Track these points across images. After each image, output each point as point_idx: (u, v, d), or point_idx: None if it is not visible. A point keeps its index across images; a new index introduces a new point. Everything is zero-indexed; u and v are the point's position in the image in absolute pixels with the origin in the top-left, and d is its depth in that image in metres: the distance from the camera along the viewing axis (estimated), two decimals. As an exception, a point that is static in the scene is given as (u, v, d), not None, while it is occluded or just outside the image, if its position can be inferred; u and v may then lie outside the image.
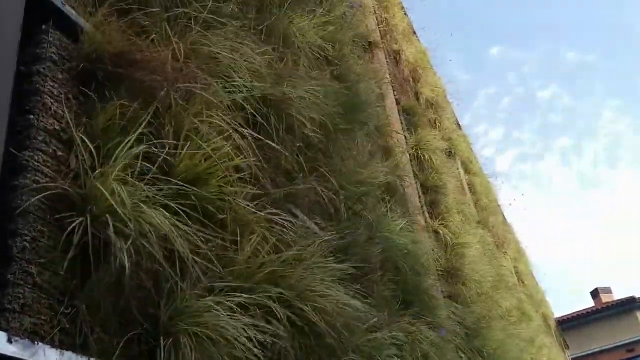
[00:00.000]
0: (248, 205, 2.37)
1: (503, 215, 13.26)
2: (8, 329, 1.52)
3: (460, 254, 6.59)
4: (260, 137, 2.60)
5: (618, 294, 30.60)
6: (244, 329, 2.11)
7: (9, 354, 1.50)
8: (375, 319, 3.42)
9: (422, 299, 4.53)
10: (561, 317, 27.11)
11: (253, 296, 2.20)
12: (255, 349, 2.11)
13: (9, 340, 1.51)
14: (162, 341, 1.91)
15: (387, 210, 4.24)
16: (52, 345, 1.62)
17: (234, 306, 2.04)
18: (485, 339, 6.66)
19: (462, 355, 5.49)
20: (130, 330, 1.89)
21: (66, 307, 1.69)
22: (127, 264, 1.74)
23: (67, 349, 1.66)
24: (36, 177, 1.70)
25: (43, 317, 1.63)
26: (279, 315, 2.33)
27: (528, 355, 10.20)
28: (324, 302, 2.63)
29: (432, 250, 5.68)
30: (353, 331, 3.05)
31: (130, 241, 1.75)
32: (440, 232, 6.12)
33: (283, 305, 2.42)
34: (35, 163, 1.71)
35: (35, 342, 1.57)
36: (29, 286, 1.60)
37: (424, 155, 6.14)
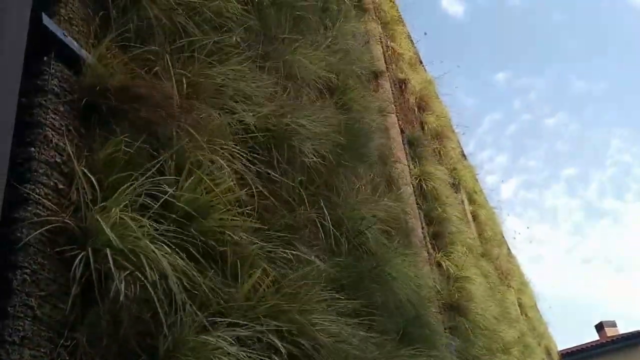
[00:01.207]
0: (249, 239, 2.37)
1: (508, 247, 13.20)
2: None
3: (463, 287, 6.55)
4: (261, 169, 2.61)
5: (623, 328, 30.32)
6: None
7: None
8: (376, 353, 3.40)
9: (423, 333, 4.49)
10: (565, 350, 26.79)
11: (252, 330, 2.18)
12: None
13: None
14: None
15: (389, 243, 4.22)
16: (51, 382, 1.61)
17: (234, 341, 2.03)
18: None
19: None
20: (129, 361, 1.88)
21: (66, 339, 1.68)
22: (123, 297, 1.73)
23: (65, 383, 1.65)
24: (37, 210, 1.71)
25: (43, 350, 1.62)
26: (280, 349, 2.31)
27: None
28: (324, 337, 2.62)
29: (435, 283, 5.64)
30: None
31: (128, 274, 1.74)
32: (444, 264, 6.09)
33: (283, 340, 2.41)
34: (37, 196, 1.72)
35: (35, 378, 1.57)
36: (29, 319, 1.60)
37: (427, 186, 6.13)
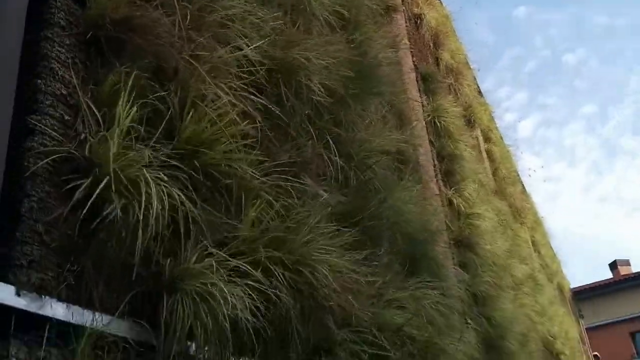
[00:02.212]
0: (253, 172, 2.42)
1: (522, 185, 13.19)
2: (16, 283, 1.61)
3: (473, 224, 6.60)
4: (267, 104, 2.63)
5: (637, 267, 30.49)
6: (245, 290, 2.19)
7: (18, 306, 1.59)
8: (379, 283, 3.49)
9: (430, 267, 4.58)
10: (578, 287, 27.10)
11: (253, 258, 2.26)
12: (256, 310, 2.20)
13: (18, 294, 1.60)
14: (164, 299, 2.00)
15: (398, 179, 4.26)
16: (59, 300, 1.71)
17: (240, 265, 2.11)
18: (493, 307, 6.73)
19: (470, 322, 5.56)
20: (134, 287, 1.98)
21: (72, 264, 1.77)
22: (125, 225, 1.81)
23: (73, 304, 1.75)
24: (44, 141, 1.77)
25: (50, 274, 1.71)
26: (280, 278, 2.40)
27: (539, 325, 10.27)
28: (325, 267, 2.70)
29: (445, 219, 5.71)
30: (356, 295, 3.13)
31: (130, 202, 1.81)
32: (454, 201, 6.14)
33: (285, 269, 2.49)
34: (43, 127, 1.78)
35: (43, 296, 1.66)
36: (36, 244, 1.69)
37: (441, 123, 6.11)
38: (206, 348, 2.10)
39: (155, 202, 1.85)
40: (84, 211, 1.76)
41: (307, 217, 2.73)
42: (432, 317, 4.19)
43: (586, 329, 25.20)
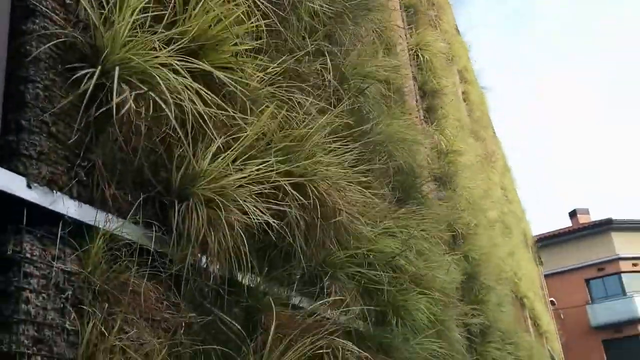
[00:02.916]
0: (262, 77, 2.30)
1: (493, 129, 13.30)
2: (26, 174, 1.48)
3: (453, 161, 6.60)
4: (269, 8, 2.49)
5: (595, 216, 31.40)
6: (255, 199, 2.10)
7: (28, 199, 1.47)
8: (374, 212, 3.45)
9: (417, 198, 4.58)
10: (539, 235, 27.81)
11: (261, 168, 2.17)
12: (267, 218, 2.12)
13: (29, 186, 1.47)
14: (176, 204, 1.89)
15: (387, 107, 4.19)
16: (71, 197, 1.59)
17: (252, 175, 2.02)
18: (472, 245, 6.82)
19: (449, 258, 5.59)
20: (145, 191, 1.87)
21: (82, 159, 1.65)
22: (135, 117, 1.69)
23: (85, 203, 1.63)
24: (45, 24, 1.61)
25: (60, 168, 1.58)
26: (287, 189, 2.32)
27: (508, 266, 10.51)
28: (329, 181, 2.63)
29: (427, 155, 5.68)
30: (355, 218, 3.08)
31: (140, 93, 1.68)
32: (436, 137, 6.10)
33: (291, 184, 2.40)
34: (44, 9, 1.62)
35: (54, 192, 1.54)
36: (44, 135, 1.55)
37: (424, 57, 5.99)
38: (217, 265, 2.02)
39: (169, 96, 1.72)
40: (87, 101, 1.63)
41: (311, 133, 2.64)
42: (422, 249, 4.21)
43: (544, 275, 26.00)
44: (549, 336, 17.71)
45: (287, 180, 2.33)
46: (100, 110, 1.65)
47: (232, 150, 2.02)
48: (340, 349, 2.59)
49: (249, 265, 2.29)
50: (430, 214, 4.34)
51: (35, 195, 1.48)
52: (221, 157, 1.98)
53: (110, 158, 1.74)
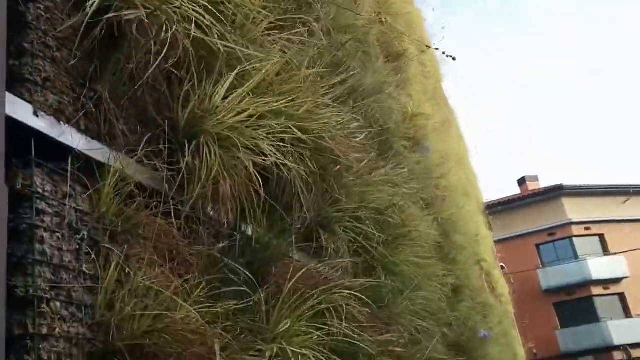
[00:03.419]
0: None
1: (446, 99, 13.39)
2: (32, 101, 1.32)
3: (419, 124, 6.57)
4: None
5: (545, 183, 32.22)
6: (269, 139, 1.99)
7: (36, 127, 1.31)
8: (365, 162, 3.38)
9: (397, 153, 4.54)
10: (488, 202, 28.35)
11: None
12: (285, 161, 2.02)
13: (35, 114, 1.32)
14: (187, 143, 1.75)
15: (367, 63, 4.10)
16: (79, 130, 1.44)
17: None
18: (440, 210, 6.85)
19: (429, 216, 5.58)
20: (151, 129, 1.72)
21: (88, 90, 1.49)
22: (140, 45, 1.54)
23: (93, 137, 1.48)
24: (41, -64, 1.44)
25: (66, 97, 1.43)
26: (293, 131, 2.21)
27: (472, 229, 10.68)
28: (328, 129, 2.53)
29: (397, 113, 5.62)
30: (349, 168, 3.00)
31: (146, 15, 1.53)
32: (403, 100, 6.03)
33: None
34: None
35: (61, 123, 1.39)
36: (48, 60, 1.39)
37: (387, 20, 5.91)
38: (230, 211, 1.90)
39: (179, 21, 1.58)
40: (91, 25, 1.47)
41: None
42: (405, 205, 4.19)
43: (495, 241, 26.57)
44: (503, 299, 18.19)
45: (292, 123, 2.21)
46: (104, 33, 1.50)
47: (246, 87, 1.88)
48: (344, 305, 2.53)
49: (254, 215, 2.18)
50: (412, 171, 4.30)
51: (42, 124, 1.33)
52: (235, 93, 1.84)
53: (117, 89, 1.59)
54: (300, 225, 2.62)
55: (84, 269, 1.37)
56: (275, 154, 2.05)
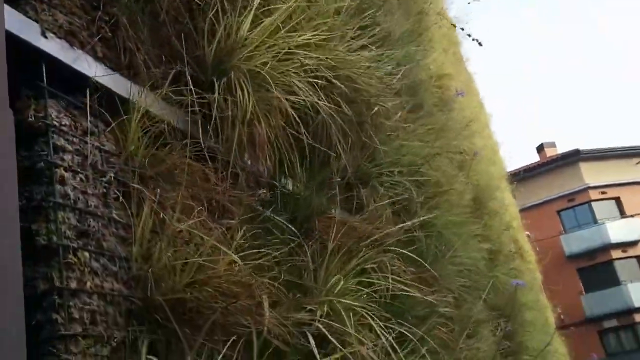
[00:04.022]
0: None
1: (464, 62, 13.06)
2: (39, 20, 1.12)
3: (445, 85, 6.34)
4: None
5: (562, 148, 31.76)
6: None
7: (45, 49, 1.12)
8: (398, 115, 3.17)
9: (427, 113, 4.32)
10: (509, 171, 27.92)
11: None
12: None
13: (44, 34, 1.12)
14: (214, 81, 1.55)
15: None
16: (95, 58, 1.24)
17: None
18: (469, 171, 6.63)
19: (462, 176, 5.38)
20: (174, 65, 1.52)
21: (103, 13, 1.29)
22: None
23: (112, 68, 1.28)
24: None
25: (78, 20, 1.23)
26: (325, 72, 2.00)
27: (499, 196, 10.45)
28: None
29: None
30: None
31: None
32: (428, 60, 5.79)
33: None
34: None
35: (74, 47, 1.19)
36: (54, -26, 1.19)
37: (406, -23, 5.65)
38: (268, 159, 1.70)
39: None
40: None
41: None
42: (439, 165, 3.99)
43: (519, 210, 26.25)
44: (530, 267, 17.94)
45: (325, 64, 2.00)
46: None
47: (274, 17, 1.67)
48: (388, 263, 2.36)
49: (293, 166, 1.99)
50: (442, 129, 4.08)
51: (52, 47, 1.13)
52: (262, 24, 1.63)
53: (134, 18, 1.39)
54: (340, 179, 2.43)
55: (114, 215, 1.18)
56: (311, 95, 1.85)
